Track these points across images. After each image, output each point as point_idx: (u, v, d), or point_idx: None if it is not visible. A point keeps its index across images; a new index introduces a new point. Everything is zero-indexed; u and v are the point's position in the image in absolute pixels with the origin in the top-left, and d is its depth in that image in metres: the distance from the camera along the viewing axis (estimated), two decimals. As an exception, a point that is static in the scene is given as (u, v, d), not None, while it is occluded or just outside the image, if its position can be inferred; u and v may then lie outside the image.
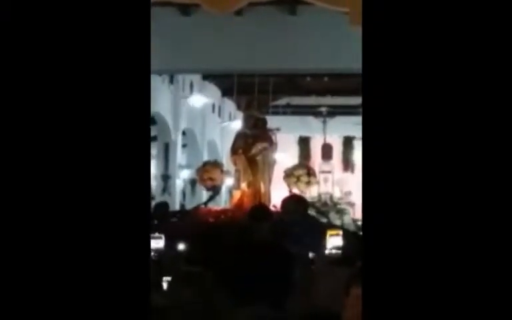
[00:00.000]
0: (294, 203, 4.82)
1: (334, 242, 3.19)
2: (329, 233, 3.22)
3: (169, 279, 2.99)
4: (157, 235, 3.53)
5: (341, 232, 3.24)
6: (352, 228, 9.50)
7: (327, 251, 3.20)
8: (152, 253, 3.40)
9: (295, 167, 8.96)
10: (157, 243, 3.52)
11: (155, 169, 16.08)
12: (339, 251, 3.18)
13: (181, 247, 4.07)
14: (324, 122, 18.51)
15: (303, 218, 4.47)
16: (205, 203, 8.69)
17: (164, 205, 7.22)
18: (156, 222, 5.42)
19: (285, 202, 4.82)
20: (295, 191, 8.33)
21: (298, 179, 8.56)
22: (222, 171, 8.86)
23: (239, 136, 8.53)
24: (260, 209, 4.67)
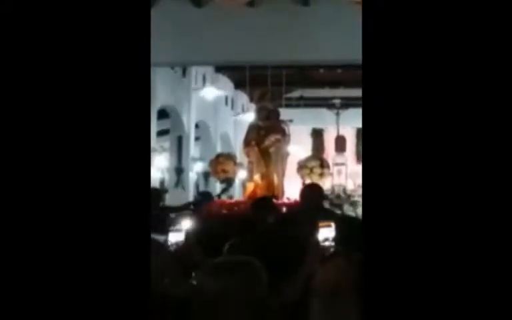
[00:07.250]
0: (310, 191, 4.79)
1: (325, 233, 3.12)
2: (321, 224, 3.15)
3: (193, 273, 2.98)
4: (177, 227, 3.52)
5: (332, 224, 3.17)
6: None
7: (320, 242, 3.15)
8: (173, 247, 3.42)
9: (308, 159, 8.95)
10: (177, 237, 3.50)
11: (168, 162, 16.14)
12: (332, 243, 3.12)
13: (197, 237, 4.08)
14: (337, 114, 18.47)
15: (319, 208, 4.44)
16: (219, 195, 8.71)
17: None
18: (174, 215, 5.40)
19: (303, 191, 4.78)
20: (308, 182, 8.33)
21: (311, 170, 8.55)
22: (235, 163, 8.87)
23: (252, 128, 8.52)
24: (263, 200, 4.66)
